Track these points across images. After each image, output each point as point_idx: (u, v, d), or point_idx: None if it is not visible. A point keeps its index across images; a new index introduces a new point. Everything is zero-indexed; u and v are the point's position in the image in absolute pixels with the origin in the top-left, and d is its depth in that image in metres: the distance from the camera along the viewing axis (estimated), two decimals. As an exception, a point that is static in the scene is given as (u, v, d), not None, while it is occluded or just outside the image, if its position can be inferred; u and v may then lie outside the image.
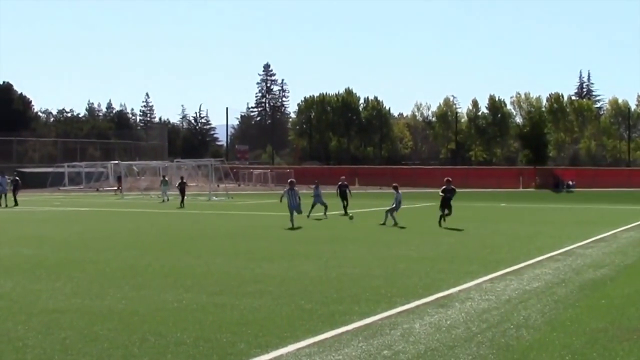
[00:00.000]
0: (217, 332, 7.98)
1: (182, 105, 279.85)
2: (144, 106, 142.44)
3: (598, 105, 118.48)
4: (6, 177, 40.26)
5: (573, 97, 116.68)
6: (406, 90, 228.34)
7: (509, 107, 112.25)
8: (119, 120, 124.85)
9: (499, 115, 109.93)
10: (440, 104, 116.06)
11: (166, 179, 48.91)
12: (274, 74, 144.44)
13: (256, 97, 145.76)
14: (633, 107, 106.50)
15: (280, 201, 24.27)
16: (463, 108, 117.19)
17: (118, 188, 57.63)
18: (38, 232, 21.81)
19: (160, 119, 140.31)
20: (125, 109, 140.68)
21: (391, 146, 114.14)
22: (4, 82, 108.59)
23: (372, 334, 7.90)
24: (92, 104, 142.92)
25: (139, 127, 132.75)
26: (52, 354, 7.12)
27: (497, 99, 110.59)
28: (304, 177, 70.06)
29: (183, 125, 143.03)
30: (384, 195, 55.06)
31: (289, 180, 25.09)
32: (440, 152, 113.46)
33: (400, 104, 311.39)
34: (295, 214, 23.33)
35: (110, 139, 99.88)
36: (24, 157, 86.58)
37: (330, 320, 8.57)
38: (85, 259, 14.83)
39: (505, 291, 10.77)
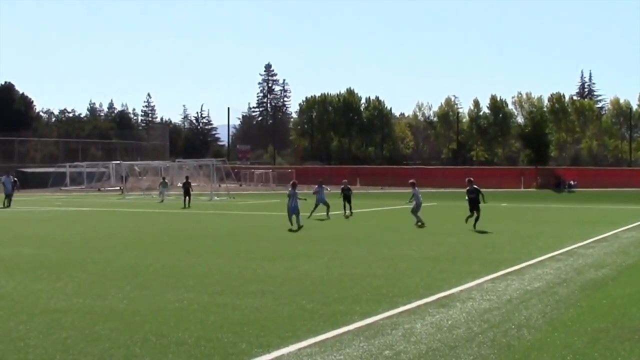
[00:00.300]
0: (219, 332, 7.99)
1: (184, 105, 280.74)
2: (146, 106, 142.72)
3: (599, 105, 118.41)
4: (10, 177, 40.21)
5: (574, 97, 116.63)
6: (407, 90, 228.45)
7: (511, 107, 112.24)
8: (120, 120, 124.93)
9: (501, 115, 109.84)
10: (441, 104, 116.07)
11: (166, 180, 48.96)
12: (275, 74, 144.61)
13: (258, 97, 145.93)
14: (635, 107, 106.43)
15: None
16: (464, 108, 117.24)
17: (122, 188, 57.79)
18: (39, 232, 21.83)
19: (161, 119, 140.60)
20: (127, 109, 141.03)
21: (392, 146, 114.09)
22: (5, 82, 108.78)
23: (374, 334, 7.90)
24: (94, 104, 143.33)
25: (140, 127, 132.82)
26: (53, 353, 7.12)
27: (498, 99, 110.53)
28: (306, 177, 70.02)
29: (184, 125, 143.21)
30: (385, 195, 55.10)
31: (291, 182, 24.80)
32: (442, 152, 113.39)
33: (401, 104, 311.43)
34: (294, 216, 22.57)
35: (112, 139, 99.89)
36: (25, 157, 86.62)
37: (332, 320, 8.57)
38: (87, 258, 14.84)
39: (506, 291, 10.77)
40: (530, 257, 14.90)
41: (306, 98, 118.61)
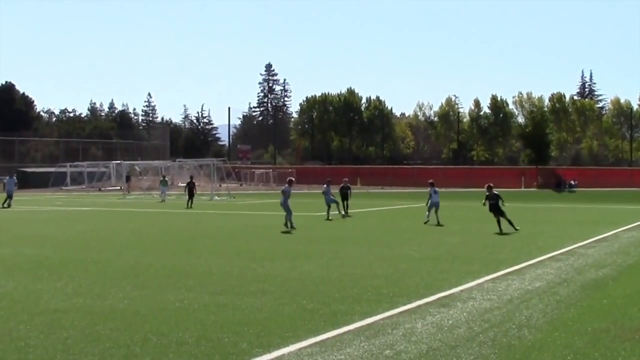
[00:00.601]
0: (219, 332, 7.99)
1: (184, 105, 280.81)
2: (146, 106, 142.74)
3: (600, 105, 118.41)
4: (14, 177, 40.13)
5: (575, 97, 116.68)
6: (408, 90, 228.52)
7: (511, 106, 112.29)
8: (121, 120, 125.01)
9: (501, 115, 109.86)
10: (442, 104, 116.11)
11: (166, 179, 48.97)
12: (276, 74, 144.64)
13: (258, 97, 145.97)
14: (635, 106, 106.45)
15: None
16: (465, 108, 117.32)
17: (126, 187, 57.90)
18: (40, 231, 21.84)
19: (162, 118, 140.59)
20: (128, 108, 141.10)
21: (393, 146, 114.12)
22: (6, 82, 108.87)
23: (374, 333, 7.89)
24: (95, 103, 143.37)
25: (141, 127, 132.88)
26: (54, 353, 7.12)
27: (499, 99, 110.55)
28: (306, 177, 70.17)
29: (185, 125, 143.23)
30: (385, 195, 55.11)
31: (287, 179, 24.53)
32: (442, 152, 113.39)
33: (402, 104, 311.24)
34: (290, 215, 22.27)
35: (113, 139, 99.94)
36: (26, 157, 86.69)
37: (332, 320, 8.57)
38: (87, 258, 14.84)
39: (507, 291, 10.77)
40: (531, 257, 14.90)
41: (307, 98, 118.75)
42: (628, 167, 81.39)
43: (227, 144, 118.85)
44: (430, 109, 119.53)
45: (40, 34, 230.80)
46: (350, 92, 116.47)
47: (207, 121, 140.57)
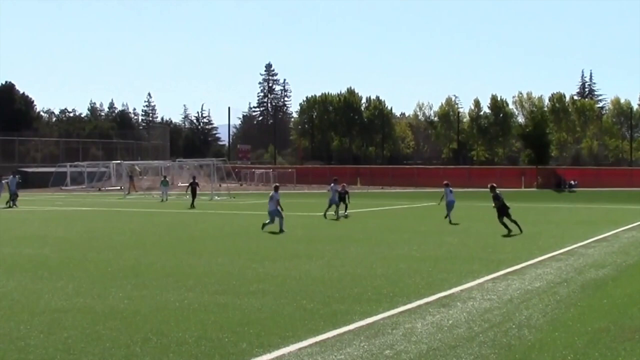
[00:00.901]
0: (219, 332, 7.99)
1: (184, 105, 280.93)
2: (146, 106, 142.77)
3: (600, 105, 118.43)
4: (17, 177, 39.99)
5: (575, 97, 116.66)
6: (408, 90, 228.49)
7: (511, 106, 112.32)
8: (121, 120, 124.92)
9: (501, 115, 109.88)
10: (442, 104, 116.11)
11: (167, 179, 48.98)
12: (275, 74, 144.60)
13: (258, 96, 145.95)
14: (635, 106, 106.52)
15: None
16: (465, 108, 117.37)
17: (130, 187, 57.98)
18: (40, 231, 21.83)
19: (162, 118, 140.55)
20: (128, 108, 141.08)
21: (393, 146, 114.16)
22: (6, 81, 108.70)
23: (374, 333, 7.90)
24: (94, 103, 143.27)
25: (141, 127, 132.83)
26: (54, 353, 7.12)
27: (499, 99, 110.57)
28: (306, 177, 70.22)
29: (185, 125, 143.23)
30: (385, 195, 55.12)
31: (274, 185, 23.84)
32: (442, 152, 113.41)
33: (402, 104, 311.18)
34: (273, 220, 21.64)
35: (113, 139, 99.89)
36: (26, 156, 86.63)
37: (332, 320, 8.57)
38: (87, 258, 14.84)
39: (507, 291, 10.77)
40: (531, 256, 14.90)
41: (307, 98, 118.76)
42: (628, 167, 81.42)
43: (227, 144, 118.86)
44: (430, 108, 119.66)
45: (40, 34, 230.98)
46: (350, 92, 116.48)
47: (207, 121, 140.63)
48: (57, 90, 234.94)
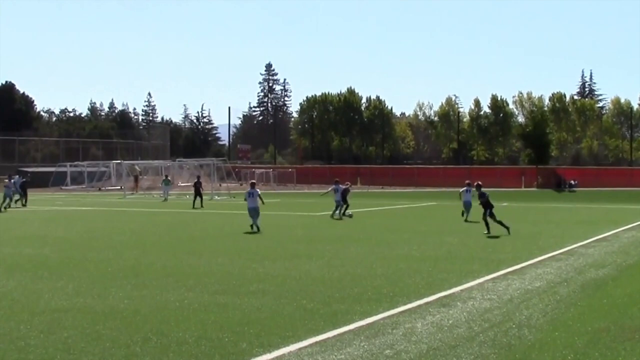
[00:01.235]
0: (219, 332, 7.99)
1: (185, 105, 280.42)
2: (146, 106, 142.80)
3: (600, 104, 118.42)
4: (21, 178, 39.90)
5: (575, 97, 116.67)
6: (408, 90, 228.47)
7: (511, 106, 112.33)
8: (121, 120, 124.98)
9: (501, 115, 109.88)
10: (442, 104, 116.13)
11: (168, 178, 49.01)
12: (276, 74, 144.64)
13: (258, 96, 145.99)
14: (635, 106, 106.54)
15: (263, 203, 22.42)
16: (465, 107, 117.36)
17: (134, 187, 57.93)
18: (40, 231, 21.83)
19: (162, 118, 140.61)
20: (128, 108, 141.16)
21: (393, 146, 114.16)
22: (6, 81, 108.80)
23: (374, 333, 7.90)
24: (95, 103, 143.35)
25: (141, 127, 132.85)
26: (54, 353, 7.12)
27: (499, 99, 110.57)
28: (306, 177, 70.21)
29: (185, 125, 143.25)
30: (386, 194, 55.10)
31: (250, 182, 23.79)
32: (442, 152, 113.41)
33: (402, 104, 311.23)
34: (255, 218, 21.43)
35: (113, 139, 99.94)
36: (26, 156, 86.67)
37: (332, 320, 8.57)
38: (87, 258, 14.84)
39: (507, 291, 10.77)
40: (531, 256, 14.90)
41: (307, 97, 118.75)
42: (628, 167, 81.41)
43: (227, 144, 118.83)
44: (431, 108, 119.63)
45: (40, 34, 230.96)
46: (350, 91, 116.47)
47: (207, 121, 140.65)
48: (57, 90, 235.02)
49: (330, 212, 27.81)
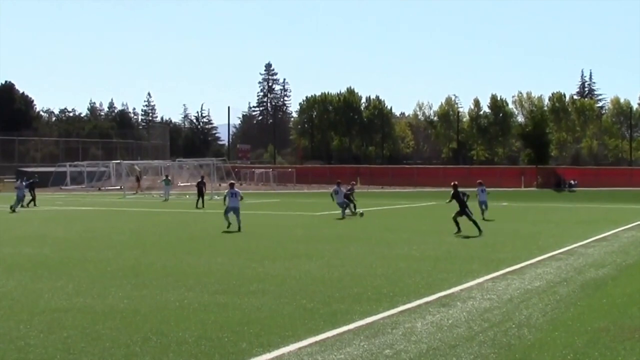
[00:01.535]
0: (219, 331, 7.99)
1: (184, 105, 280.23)
2: (146, 105, 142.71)
3: (600, 104, 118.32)
4: (25, 180, 39.87)
5: (575, 97, 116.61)
6: (408, 90, 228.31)
7: (511, 106, 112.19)
8: (120, 120, 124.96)
9: (501, 115, 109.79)
10: (442, 104, 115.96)
11: (169, 178, 49.02)
12: (275, 74, 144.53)
13: (258, 96, 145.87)
14: (635, 106, 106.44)
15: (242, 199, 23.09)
16: (465, 107, 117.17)
17: (137, 186, 57.96)
18: (40, 231, 21.84)
19: (162, 118, 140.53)
20: (127, 108, 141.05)
21: (393, 145, 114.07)
22: (5, 81, 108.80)
23: (374, 333, 7.90)
24: (94, 103, 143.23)
25: (140, 127, 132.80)
26: (54, 353, 7.12)
27: (498, 99, 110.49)
28: (306, 177, 70.14)
29: (185, 125, 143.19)
30: (385, 194, 55.10)
31: (229, 182, 24.50)
32: (442, 152, 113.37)
33: (402, 103, 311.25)
34: (232, 215, 21.95)
35: (112, 139, 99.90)
36: (25, 156, 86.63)
37: (332, 320, 8.57)
38: (87, 258, 14.84)
39: (506, 290, 10.77)
40: (531, 256, 14.91)
41: (306, 97, 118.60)
42: (628, 167, 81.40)
43: (226, 144, 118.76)
44: (430, 108, 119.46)
45: (40, 34, 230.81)
46: (350, 91, 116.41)
47: (207, 121, 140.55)
48: (57, 90, 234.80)
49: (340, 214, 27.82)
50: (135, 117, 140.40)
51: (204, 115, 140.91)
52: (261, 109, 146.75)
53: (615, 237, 19.87)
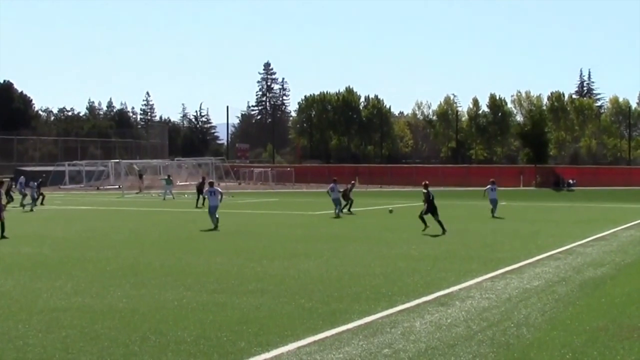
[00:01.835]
0: (218, 331, 7.99)
1: (183, 104, 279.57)
2: (145, 105, 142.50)
3: (599, 103, 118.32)
4: (24, 180, 39.89)
5: (574, 96, 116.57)
6: (407, 89, 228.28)
7: (510, 105, 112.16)
8: (119, 119, 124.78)
9: (500, 114, 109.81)
10: (440, 103, 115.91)
11: (170, 177, 48.97)
12: (274, 73, 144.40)
13: (257, 95, 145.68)
14: (634, 105, 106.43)
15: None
16: (464, 106, 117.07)
17: (140, 185, 57.95)
18: (39, 230, 21.83)
19: (160, 117, 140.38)
20: (126, 107, 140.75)
21: (392, 145, 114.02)
22: (4, 80, 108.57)
23: (373, 332, 7.90)
24: (93, 102, 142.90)
25: (139, 126, 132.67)
26: (52, 352, 7.12)
27: (497, 98, 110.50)
28: (305, 176, 70.13)
29: (184, 124, 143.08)
30: (384, 193, 55.09)
31: (208, 181, 25.15)
32: (441, 151, 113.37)
33: (400, 103, 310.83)
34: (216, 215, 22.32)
35: (111, 138, 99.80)
36: (24, 156, 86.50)
37: (331, 319, 8.57)
38: (86, 257, 14.84)
39: (505, 290, 10.78)
40: (530, 255, 14.92)
41: (305, 97, 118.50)
42: (626, 166, 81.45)
43: (225, 143, 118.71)
44: (429, 107, 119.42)
45: (39, 33, 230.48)
46: (349, 91, 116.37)
47: (206, 120, 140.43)
48: (56, 89, 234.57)
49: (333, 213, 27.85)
50: (134, 116, 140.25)
51: (202, 114, 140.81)
52: (260, 108, 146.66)
53: (614, 236, 19.88)
